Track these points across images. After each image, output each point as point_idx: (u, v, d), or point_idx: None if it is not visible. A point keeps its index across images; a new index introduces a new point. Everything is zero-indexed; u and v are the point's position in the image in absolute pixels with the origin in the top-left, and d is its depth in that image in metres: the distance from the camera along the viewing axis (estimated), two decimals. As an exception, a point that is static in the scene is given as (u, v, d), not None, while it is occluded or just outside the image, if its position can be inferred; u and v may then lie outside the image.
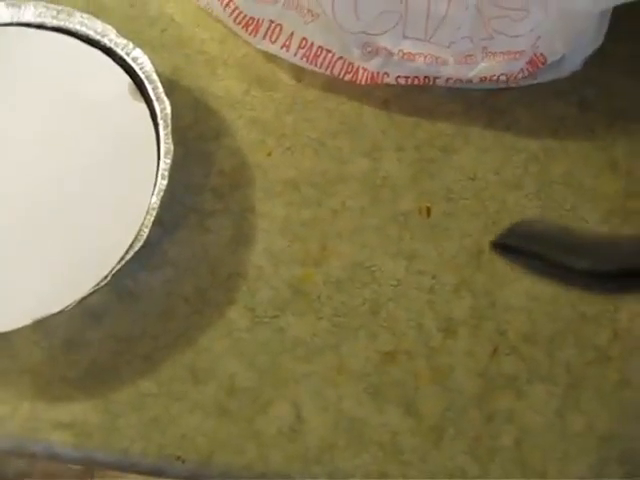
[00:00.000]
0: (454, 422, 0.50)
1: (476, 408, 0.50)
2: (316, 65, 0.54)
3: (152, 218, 0.47)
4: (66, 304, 0.46)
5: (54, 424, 0.48)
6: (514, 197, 0.54)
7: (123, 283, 0.50)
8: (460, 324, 0.51)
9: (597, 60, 0.54)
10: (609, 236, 0.46)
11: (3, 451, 0.49)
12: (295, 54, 0.54)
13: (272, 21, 0.53)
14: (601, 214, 0.54)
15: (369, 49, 0.53)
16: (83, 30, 0.52)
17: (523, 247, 0.46)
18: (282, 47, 0.54)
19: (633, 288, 0.43)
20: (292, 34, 0.53)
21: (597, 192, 0.55)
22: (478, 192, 0.54)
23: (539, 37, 0.50)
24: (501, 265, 0.52)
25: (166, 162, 0.48)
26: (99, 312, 0.49)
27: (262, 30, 0.53)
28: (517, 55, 0.52)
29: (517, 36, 0.51)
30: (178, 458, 0.48)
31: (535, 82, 0.54)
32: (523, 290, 0.52)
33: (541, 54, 0.51)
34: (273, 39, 0.54)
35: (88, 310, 0.49)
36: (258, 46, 0.55)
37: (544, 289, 0.52)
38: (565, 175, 0.55)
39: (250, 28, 0.53)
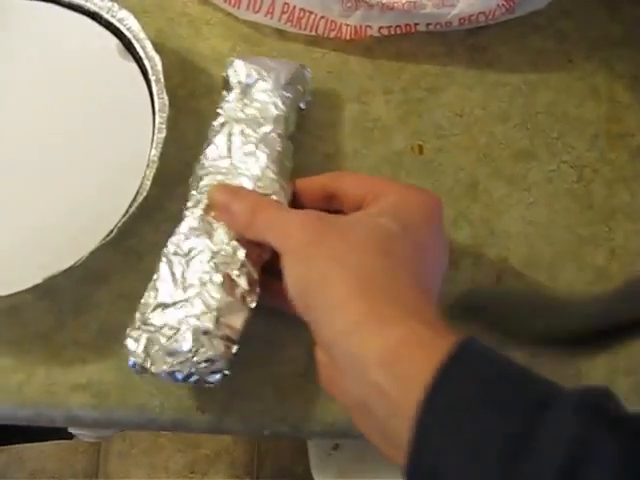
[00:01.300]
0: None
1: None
2: (300, 27, 0.55)
3: (153, 171, 0.48)
4: (74, 260, 0.46)
5: (71, 387, 0.48)
6: (502, 129, 0.56)
7: (127, 242, 0.50)
8: (462, 254, 0.52)
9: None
10: (562, 301, 0.48)
11: (23, 418, 0.49)
12: (279, 19, 0.55)
13: (254, -10, 0.54)
14: (587, 140, 0.56)
15: (349, 4, 0.54)
16: (67, -3, 0.52)
17: (480, 310, 0.48)
18: (266, 14, 0.55)
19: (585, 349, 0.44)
20: (274, 0, 0.54)
21: (581, 119, 0.57)
22: (467, 127, 0.55)
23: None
24: (496, 195, 0.54)
25: (162, 116, 0.49)
26: (105, 273, 0.49)
27: (245, 1, 0.54)
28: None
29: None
30: (198, 409, 0.48)
31: (513, 17, 0.55)
32: (519, 216, 0.53)
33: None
34: (256, 8, 0.55)
35: (94, 272, 0.49)
36: (242, 17, 0.55)
37: (538, 214, 0.53)
38: (549, 105, 0.57)
39: (233, 1, 0.55)
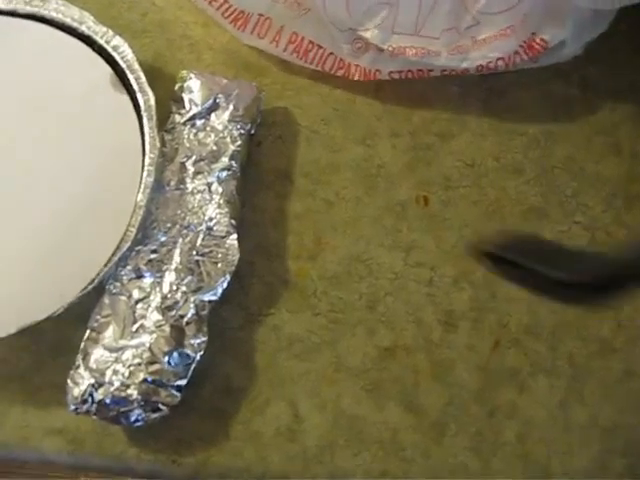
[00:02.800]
0: (455, 418, 0.49)
1: (478, 403, 0.49)
2: (306, 61, 0.52)
3: (139, 217, 0.45)
4: (53, 309, 0.44)
5: (46, 430, 0.47)
6: (514, 183, 0.52)
7: (110, 284, 0.48)
8: (460, 317, 0.50)
9: (599, 37, 0.52)
10: (586, 252, 0.46)
11: (-5, 459, 0.48)
12: (285, 49, 0.51)
13: (261, 15, 0.50)
14: (603, 199, 0.53)
15: (358, 45, 0.51)
16: (59, 17, 0.49)
17: (504, 256, 0.45)
18: (271, 42, 0.51)
19: (605, 297, 0.42)
20: (282, 28, 0.51)
21: (599, 176, 0.53)
22: (477, 179, 0.52)
23: (525, 14, 0.48)
24: (502, 255, 0.51)
25: (151, 157, 0.46)
26: (86, 315, 0.47)
27: (250, 24, 0.51)
28: (508, 32, 0.49)
29: (501, 12, 0.48)
30: (174, 462, 0.47)
31: (536, 66, 0.51)
32: (525, 280, 0.51)
33: (541, 39, 0.49)
34: (262, 34, 0.51)
35: (76, 313, 0.47)
36: (246, 42, 0.52)
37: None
38: (566, 159, 0.53)
39: (239, 23, 0.51)
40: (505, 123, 0.53)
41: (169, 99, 0.49)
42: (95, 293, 0.46)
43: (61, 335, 0.48)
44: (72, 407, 0.44)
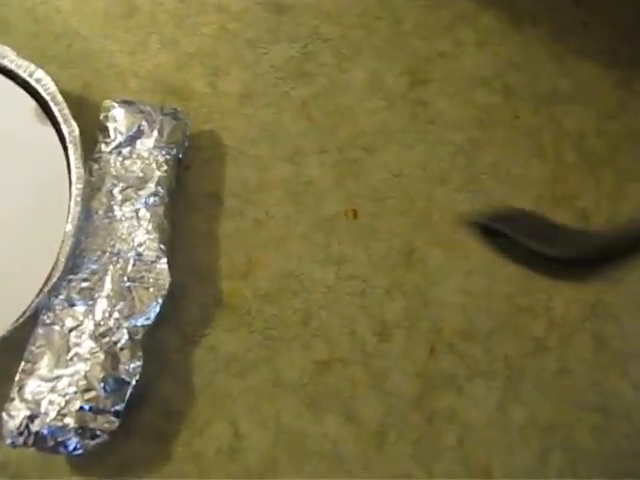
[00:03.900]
0: (395, 426, 0.49)
1: (416, 410, 0.50)
2: None
3: (68, 247, 0.46)
4: (-16, 344, 0.44)
5: (-14, 465, 0.47)
6: (442, 192, 0.53)
7: (43, 315, 0.48)
8: (394, 326, 0.51)
9: (521, 44, 0.53)
10: (582, 230, 0.47)
11: None
12: None
13: None
14: (531, 201, 0.54)
15: None
16: (-21, 52, 0.49)
17: (499, 229, 0.46)
18: None
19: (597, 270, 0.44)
20: None
21: (525, 180, 0.54)
22: (405, 189, 0.53)
23: None
24: (432, 263, 0.52)
25: (78, 188, 0.47)
26: (23, 346, 0.48)
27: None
28: None
29: None
30: (117, 487, 0.47)
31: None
32: (456, 286, 0.51)
33: None
34: None
35: (12, 345, 0.47)
36: None
37: (477, 283, 0.52)
38: (492, 165, 0.54)
39: None
40: (430, 133, 0.54)
41: (96, 128, 0.50)
42: (29, 324, 0.46)
43: (-1, 367, 0.48)
44: (9, 440, 0.44)
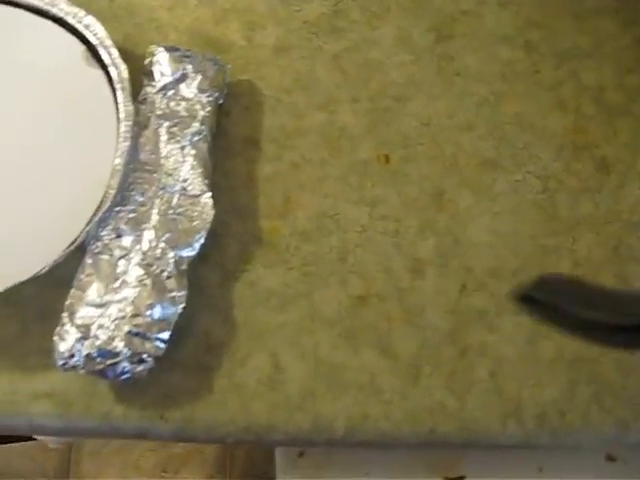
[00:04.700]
0: (429, 359, 0.51)
1: (450, 344, 0.51)
2: None
3: (117, 180, 0.48)
4: (38, 269, 0.46)
5: (34, 395, 0.48)
6: (468, 138, 0.56)
7: (92, 245, 0.50)
8: (427, 264, 0.53)
9: (540, 3, 0.56)
10: (628, 292, 0.47)
11: (-17, 427, 0.49)
12: None
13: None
14: (553, 150, 0.56)
15: None
16: (31, 1, 0.51)
17: (547, 300, 0.46)
18: None
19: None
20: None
21: (547, 130, 0.57)
22: (433, 136, 0.56)
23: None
24: (462, 205, 0.54)
25: (126, 124, 0.49)
26: (70, 279, 0.49)
27: None
28: None
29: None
30: (161, 417, 0.48)
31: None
32: (484, 227, 0.54)
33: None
34: None
35: (58, 278, 0.48)
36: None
37: (504, 224, 0.54)
38: (516, 115, 0.57)
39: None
40: (456, 85, 0.57)
41: (140, 74, 0.52)
42: (76, 257, 0.48)
43: (44, 302, 0.49)
44: (60, 362, 0.45)
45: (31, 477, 1.12)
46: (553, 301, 0.42)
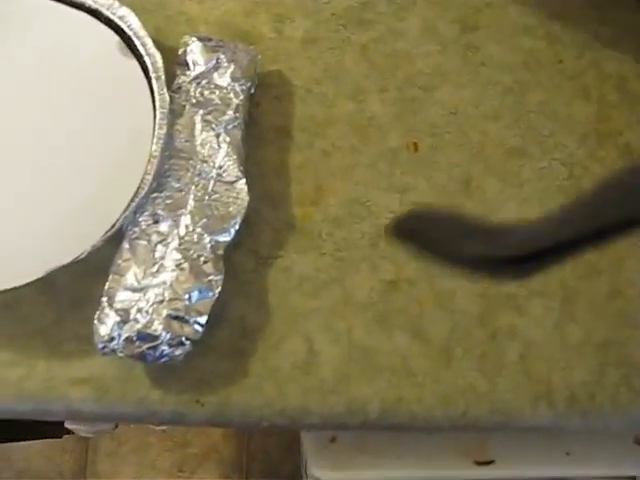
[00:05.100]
0: (460, 342, 0.52)
1: (480, 327, 0.52)
2: None
3: (154, 166, 0.48)
4: (78, 253, 0.46)
5: (71, 381, 0.49)
6: (495, 127, 0.57)
7: (129, 230, 0.50)
8: (457, 249, 0.53)
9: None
10: (503, 225, 0.47)
11: (23, 412, 0.49)
12: None
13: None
14: (577, 138, 0.57)
15: None
16: (66, -6, 0.53)
17: (418, 231, 0.47)
18: None
19: (524, 272, 0.44)
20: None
21: (572, 118, 0.58)
22: (460, 125, 0.56)
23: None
24: (490, 191, 0.55)
25: (162, 112, 0.50)
26: (104, 267, 0.49)
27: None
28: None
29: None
30: (197, 401, 0.49)
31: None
32: (512, 212, 0.54)
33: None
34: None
35: (93, 266, 0.49)
36: None
37: (531, 211, 0.55)
38: (540, 104, 0.58)
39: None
40: (481, 74, 0.58)
41: (173, 65, 0.53)
42: (109, 246, 0.48)
43: (80, 290, 0.50)
44: (100, 346, 0.46)
45: (48, 477, 1.12)
46: (428, 233, 0.41)
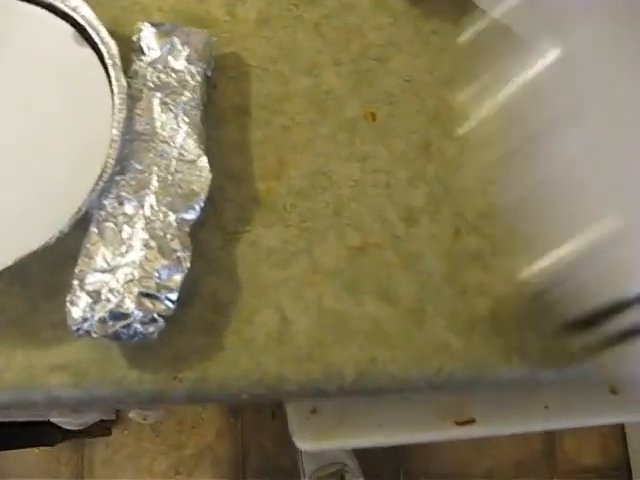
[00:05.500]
0: (430, 301, 0.53)
1: (448, 286, 0.53)
2: None
3: (116, 150, 0.49)
4: (46, 239, 0.47)
5: (49, 368, 0.49)
6: (449, 92, 0.58)
7: (96, 214, 0.51)
8: (420, 212, 0.54)
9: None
10: None
11: (4, 403, 0.50)
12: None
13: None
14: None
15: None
16: (19, -9, 0.53)
17: None
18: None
19: None
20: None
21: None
22: (416, 92, 0.58)
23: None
24: (449, 154, 0.56)
25: (120, 97, 0.50)
26: (73, 254, 0.50)
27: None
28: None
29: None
30: (175, 378, 0.49)
31: None
32: (473, 173, 0.55)
33: None
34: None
35: (62, 254, 0.50)
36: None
37: (492, 171, 0.56)
38: (492, 67, 0.59)
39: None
40: (434, 43, 0.59)
41: (129, 52, 0.54)
42: (75, 233, 0.49)
43: (51, 278, 0.50)
44: (74, 328, 0.47)
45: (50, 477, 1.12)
46: None
